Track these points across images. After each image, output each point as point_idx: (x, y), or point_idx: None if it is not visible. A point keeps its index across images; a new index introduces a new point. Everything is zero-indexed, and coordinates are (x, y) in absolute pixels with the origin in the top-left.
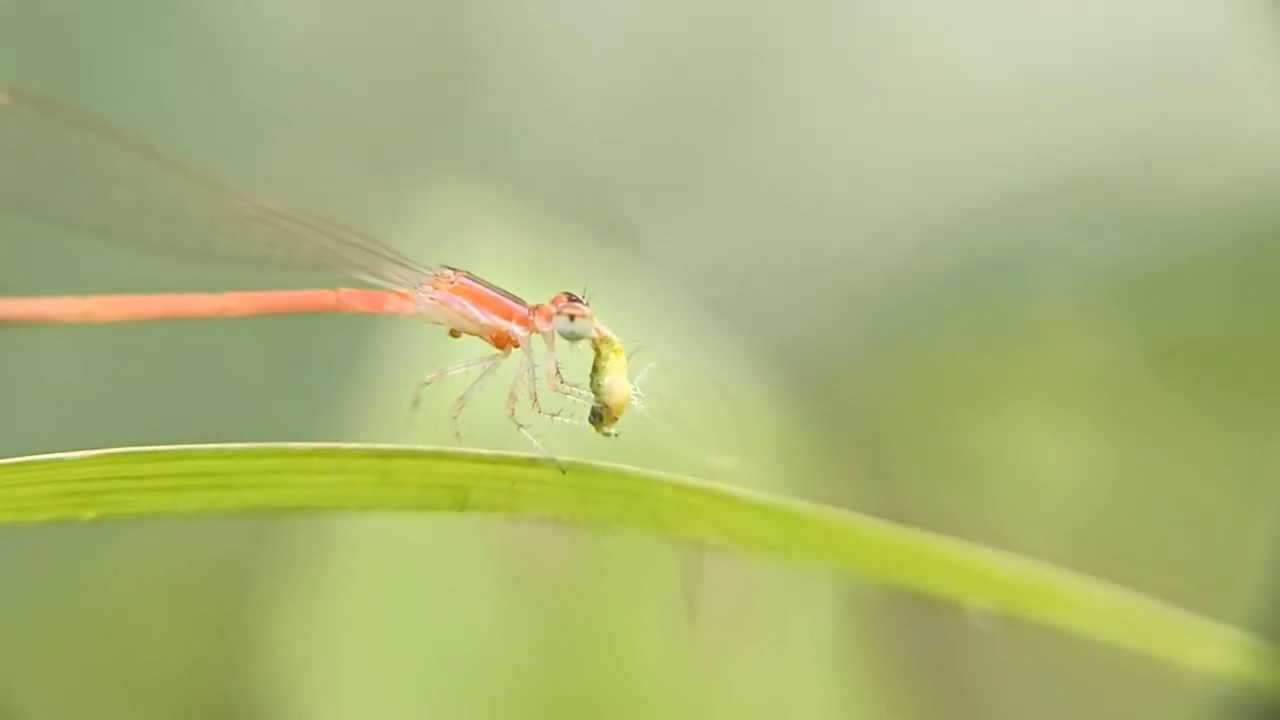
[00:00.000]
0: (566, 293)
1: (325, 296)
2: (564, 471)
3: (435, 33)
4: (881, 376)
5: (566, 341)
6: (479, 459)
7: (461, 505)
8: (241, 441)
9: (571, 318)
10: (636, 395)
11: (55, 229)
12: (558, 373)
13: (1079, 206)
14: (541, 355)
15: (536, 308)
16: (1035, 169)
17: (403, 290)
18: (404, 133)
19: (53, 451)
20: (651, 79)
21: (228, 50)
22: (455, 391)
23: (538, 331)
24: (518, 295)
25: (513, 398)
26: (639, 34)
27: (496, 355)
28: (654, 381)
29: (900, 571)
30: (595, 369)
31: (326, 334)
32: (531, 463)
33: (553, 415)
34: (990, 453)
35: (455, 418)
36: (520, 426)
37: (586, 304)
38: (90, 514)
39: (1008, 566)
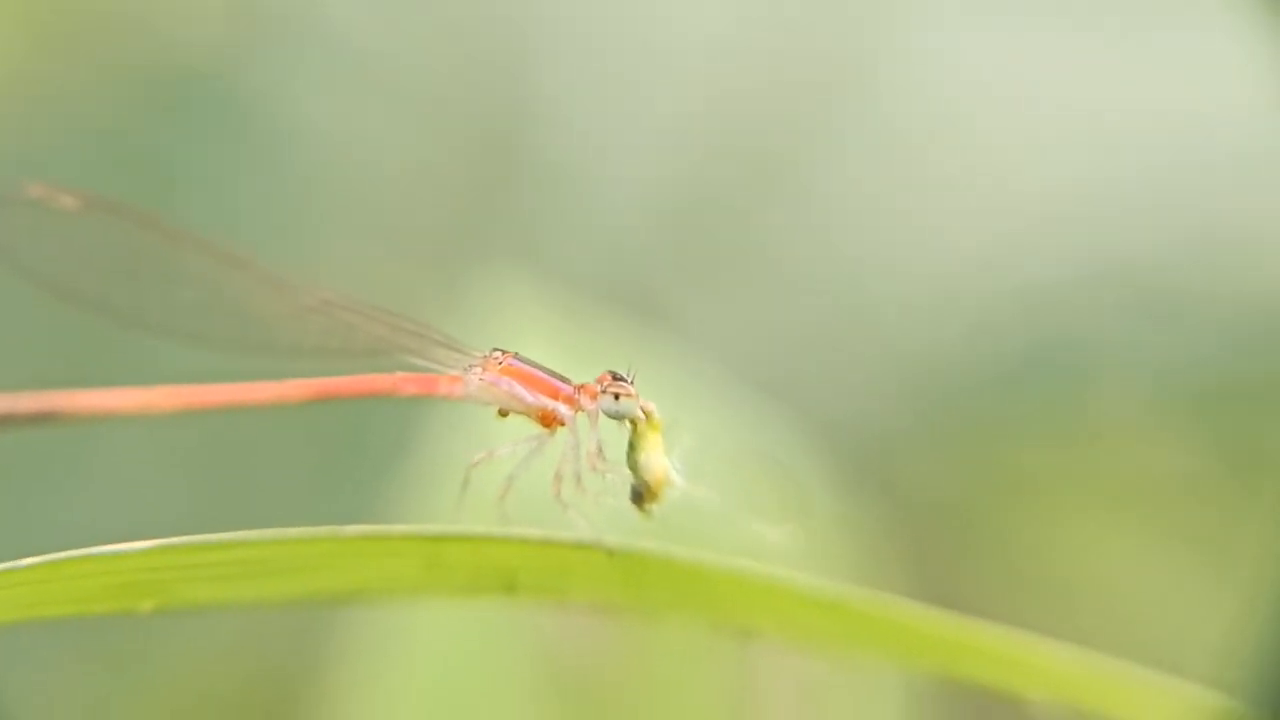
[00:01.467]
0: (611, 372)
1: (381, 381)
2: (612, 555)
3: (480, 133)
4: (928, 461)
5: (614, 421)
6: (527, 542)
7: (510, 589)
8: (292, 527)
9: (616, 396)
10: (676, 471)
11: (123, 328)
12: (599, 452)
13: (1142, 302)
14: (585, 434)
15: (582, 387)
16: (1094, 263)
17: (454, 373)
18: (452, 226)
19: (109, 542)
20: (692, 165)
21: (288, 151)
22: (502, 471)
23: (583, 410)
24: (564, 375)
25: (558, 478)
26: (679, 121)
27: (542, 434)
28: (696, 456)
29: (960, 663)
30: (631, 446)
31: (370, 417)
32: (579, 545)
33: (597, 495)
34: (1046, 549)
35: (502, 498)
36: (566, 507)
37: (631, 383)
38: (148, 605)
39: (1075, 659)
